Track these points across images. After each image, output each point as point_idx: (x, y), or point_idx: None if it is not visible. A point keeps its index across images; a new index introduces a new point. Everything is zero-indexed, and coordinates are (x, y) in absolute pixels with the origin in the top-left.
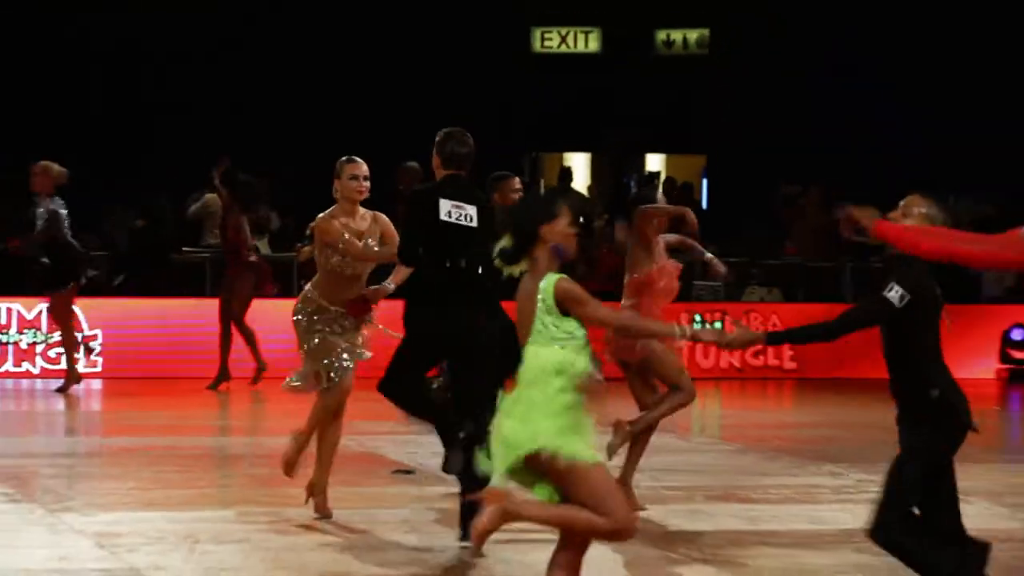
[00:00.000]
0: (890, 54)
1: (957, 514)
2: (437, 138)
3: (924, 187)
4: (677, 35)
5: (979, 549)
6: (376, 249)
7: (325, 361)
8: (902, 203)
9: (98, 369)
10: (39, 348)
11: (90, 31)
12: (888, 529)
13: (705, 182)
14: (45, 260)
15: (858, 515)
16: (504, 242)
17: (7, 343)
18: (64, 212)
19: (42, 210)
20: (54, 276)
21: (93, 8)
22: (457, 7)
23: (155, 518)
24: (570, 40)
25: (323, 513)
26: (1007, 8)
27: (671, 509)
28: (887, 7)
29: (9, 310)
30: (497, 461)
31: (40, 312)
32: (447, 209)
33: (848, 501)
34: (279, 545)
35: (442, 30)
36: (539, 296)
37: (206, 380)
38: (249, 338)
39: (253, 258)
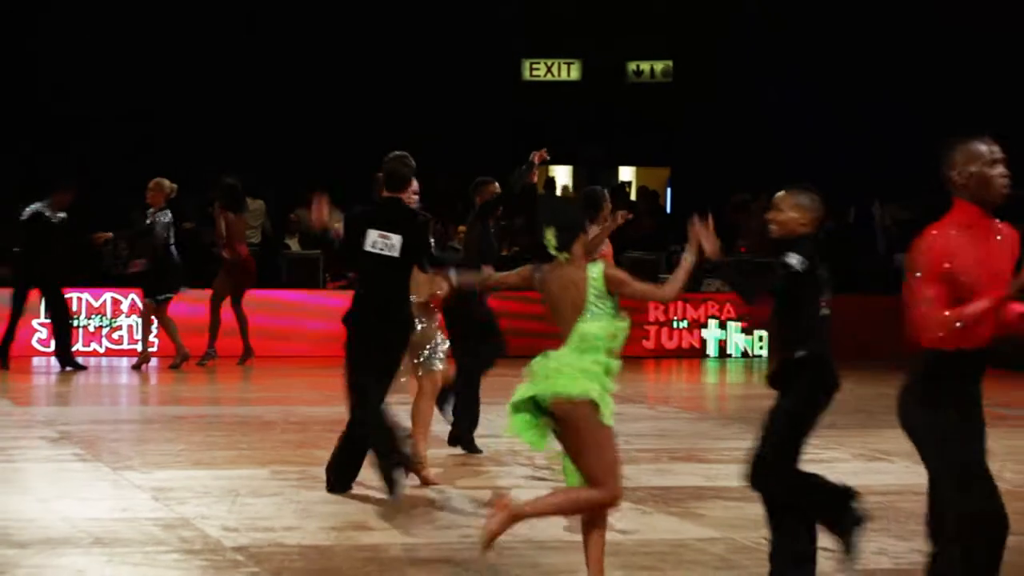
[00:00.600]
0: (825, 82)
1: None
2: (384, 160)
3: (854, 193)
4: (645, 66)
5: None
6: None
7: (416, 356)
8: (773, 201)
9: (155, 349)
10: (104, 331)
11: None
12: (767, 478)
13: (669, 190)
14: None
15: None
16: (551, 235)
17: (78, 327)
18: (166, 222)
19: (148, 220)
20: (152, 283)
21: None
22: (460, 42)
23: (202, 475)
24: (555, 70)
25: (428, 482)
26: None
27: (641, 468)
28: (821, 44)
29: (79, 299)
30: (523, 390)
31: (105, 300)
32: (372, 240)
33: None
34: (307, 498)
35: (447, 61)
36: (591, 282)
37: (248, 360)
38: (214, 325)
39: (226, 255)
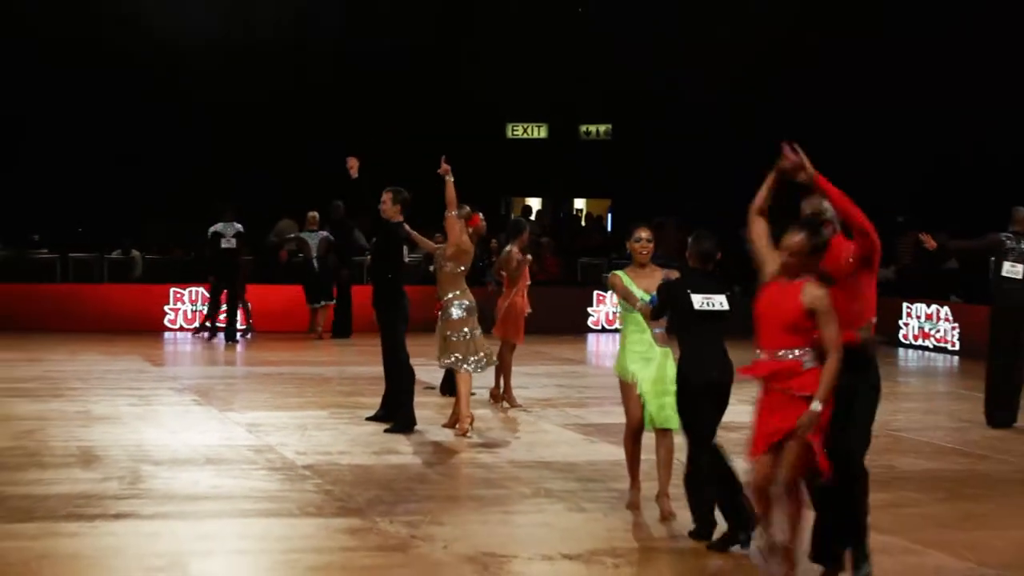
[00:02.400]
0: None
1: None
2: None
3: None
4: (593, 127)
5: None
6: None
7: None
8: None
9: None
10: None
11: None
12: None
13: (610, 215)
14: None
15: None
16: None
17: (196, 311)
18: (312, 242)
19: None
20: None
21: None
22: (463, 111)
23: (281, 415)
24: (529, 130)
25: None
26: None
27: (591, 410)
28: (709, 111)
29: (196, 291)
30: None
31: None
32: None
33: None
34: (356, 432)
35: (454, 124)
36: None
37: (308, 335)
38: (245, 310)
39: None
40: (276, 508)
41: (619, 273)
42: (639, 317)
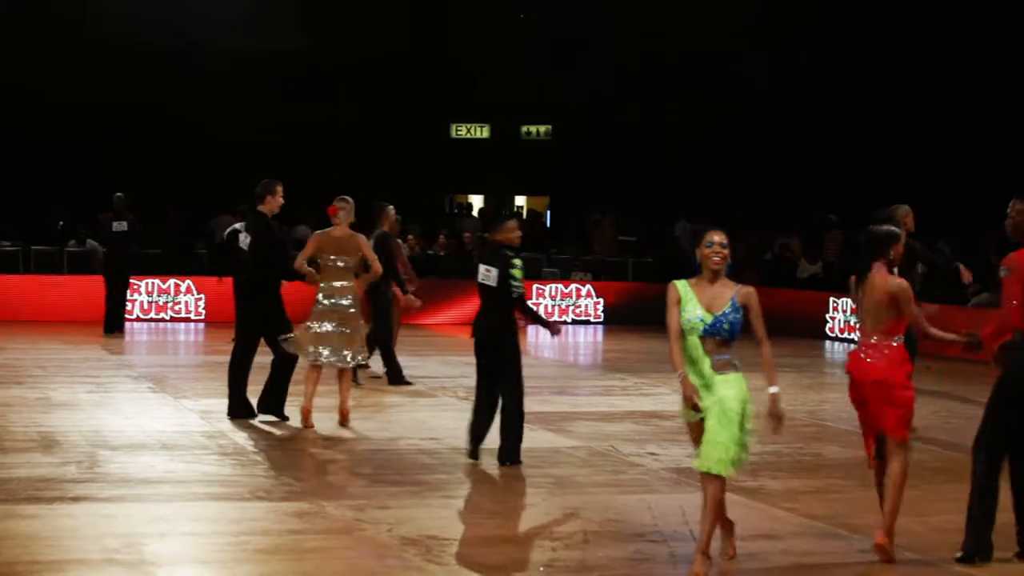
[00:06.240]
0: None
1: None
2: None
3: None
4: (533, 128)
5: None
6: None
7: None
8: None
9: (203, 316)
10: (169, 304)
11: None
12: None
13: (549, 212)
14: None
15: (635, 402)
16: None
17: (152, 302)
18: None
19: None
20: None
21: None
22: (410, 112)
23: None
24: (473, 131)
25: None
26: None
27: (531, 399)
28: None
29: (152, 283)
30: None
31: (170, 284)
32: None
33: (629, 395)
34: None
35: (402, 125)
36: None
37: None
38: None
39: None
40: (228, 492)
41: (678, 284)
42: (695, 341)
